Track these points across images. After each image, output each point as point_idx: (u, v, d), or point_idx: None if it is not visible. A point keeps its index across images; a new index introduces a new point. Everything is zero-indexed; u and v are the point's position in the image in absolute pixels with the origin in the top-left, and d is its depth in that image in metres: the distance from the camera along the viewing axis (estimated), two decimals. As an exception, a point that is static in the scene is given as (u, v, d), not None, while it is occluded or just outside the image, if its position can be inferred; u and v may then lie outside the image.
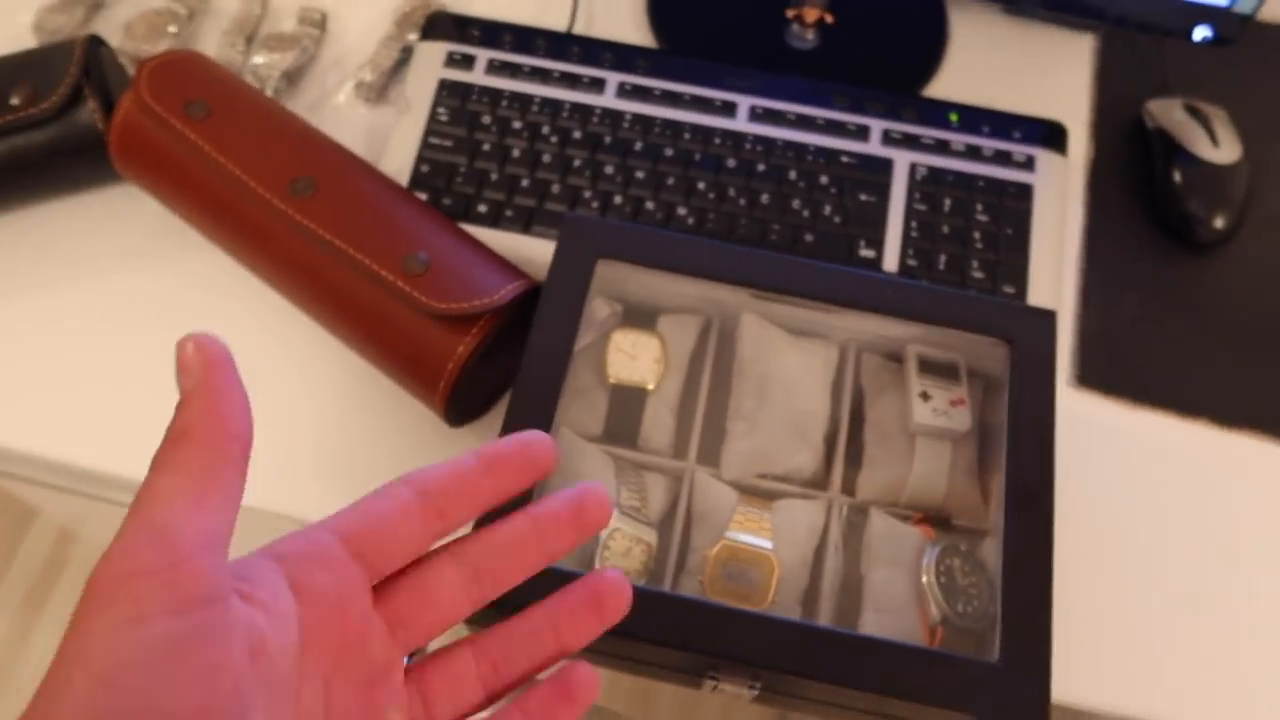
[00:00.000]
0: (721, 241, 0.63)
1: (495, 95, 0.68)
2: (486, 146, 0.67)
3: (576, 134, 0.67)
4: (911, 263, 0.64)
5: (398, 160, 0.66)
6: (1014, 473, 0.51)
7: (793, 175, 0.66)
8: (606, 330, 0.59)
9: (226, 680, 0.28)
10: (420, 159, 0.66)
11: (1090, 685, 0.56)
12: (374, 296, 0.57)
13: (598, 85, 0.68)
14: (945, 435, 0.56)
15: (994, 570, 0.50)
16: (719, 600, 0.51)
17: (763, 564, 0.53)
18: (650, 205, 0.65)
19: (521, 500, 0.38)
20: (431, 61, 0.69)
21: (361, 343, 0.58)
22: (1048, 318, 0.55)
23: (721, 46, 0.74)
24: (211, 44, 0.72)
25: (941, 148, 0.67)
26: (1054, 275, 0.65)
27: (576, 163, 0.66)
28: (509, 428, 0.53)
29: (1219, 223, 0.67)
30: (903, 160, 0.67)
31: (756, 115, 0.68)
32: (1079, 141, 0.71)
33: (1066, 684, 0.55)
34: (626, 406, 0.58)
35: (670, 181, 0.66)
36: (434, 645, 0.36)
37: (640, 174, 0.66)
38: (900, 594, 0.52)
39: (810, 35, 0.74)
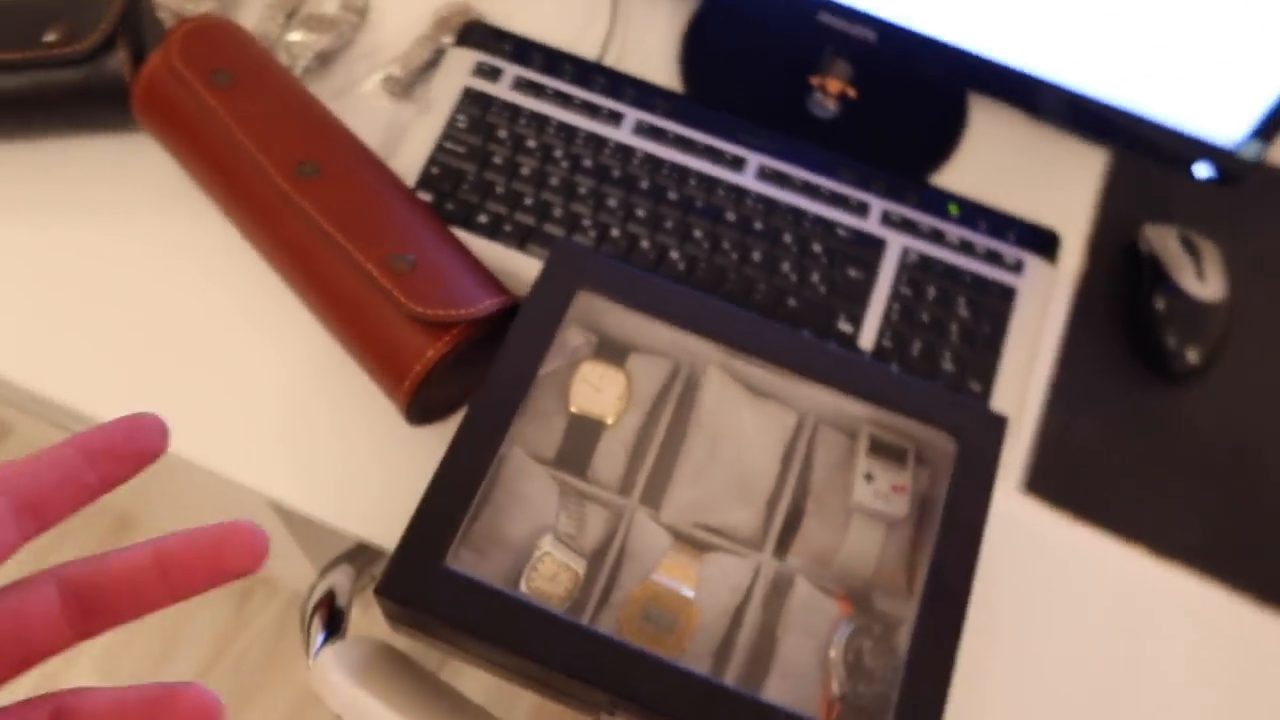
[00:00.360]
0: (706, 292, 0.65)
1: (515, 111, 0.70)
2: (498, 159, 0.68)
3: (587, 162, 0.69)
4: (887, 344, 0.66)
5: (409, 158, 0.68)
6: (937, 566, 0.52)
7: (787, 239, 0.68)
8: (577, 359, 0.61)
9: None
10: (431, 160, 0.68)
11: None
12: (357, 287, 0.58)
13: (615, 119, 0.70)
14: (881, 518, 0.57)
15: (902, 658, 0.52)
16: (633, 641, 0.52)
17: (682, 611, 0.54)
18: (645, 244, 0.67)
19: None
20: (460, 68, 0.71)
21: (339, 328, 0.60)
22: (998, 422, 0.56)
23: (744, 102, 0.75)
24: (253, 14, 0.74)
25: (936, 237, 0.69)
26: (1022, 379, 0.66)
27: (581, 190, 0.68)
28: (462, 436, 0.54)
29: (1192, 357, 0.68)
30: (896, 243, 0.68)
31: (764, 174, 0.70)
32: (1073, 252, 0.72)
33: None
34: (582, 436, 0.59)
35: (668, 224, 0.67)
36: None
37: (641, 211, 0.67)
38: (807, 663, 0.53)
39: (831, 105, 0.75)
